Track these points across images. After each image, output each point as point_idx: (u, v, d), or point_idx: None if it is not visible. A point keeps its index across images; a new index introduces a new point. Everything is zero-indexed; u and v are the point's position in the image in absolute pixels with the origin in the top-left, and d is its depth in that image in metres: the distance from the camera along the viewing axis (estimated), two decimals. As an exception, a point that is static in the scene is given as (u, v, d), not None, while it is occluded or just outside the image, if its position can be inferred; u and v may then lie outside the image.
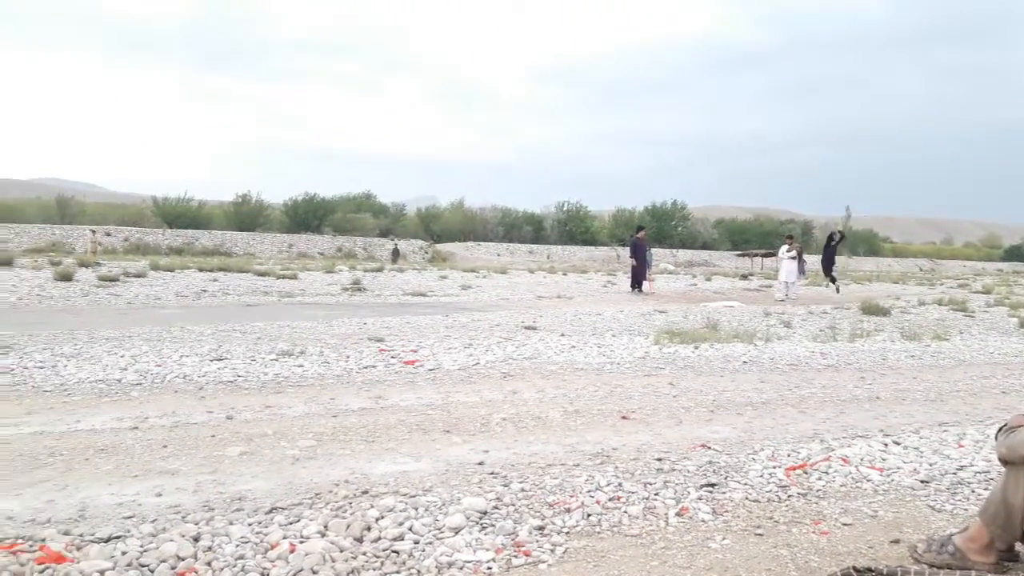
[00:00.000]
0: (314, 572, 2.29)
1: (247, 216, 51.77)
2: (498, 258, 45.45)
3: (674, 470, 3.45)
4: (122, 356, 6.22)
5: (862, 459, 3.68)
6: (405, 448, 3.80)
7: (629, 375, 6.20)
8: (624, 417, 4.63)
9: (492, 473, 3.37)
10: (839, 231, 21.84)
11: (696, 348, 7.70)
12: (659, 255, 42.67)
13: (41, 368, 5.62)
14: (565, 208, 61.51)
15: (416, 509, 2.83)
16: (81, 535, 2.51)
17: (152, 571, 2.27)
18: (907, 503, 3.13)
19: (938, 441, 4.12)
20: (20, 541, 2.43)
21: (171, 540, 2.45)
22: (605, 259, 48.70)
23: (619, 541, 2.64)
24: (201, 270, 19.79)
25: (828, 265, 19.75)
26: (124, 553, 2.35)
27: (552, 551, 2.53)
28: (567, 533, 2.69)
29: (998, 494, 2.37)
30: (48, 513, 2.76)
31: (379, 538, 2.56)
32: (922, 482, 3.40)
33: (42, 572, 2.23)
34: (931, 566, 2.39)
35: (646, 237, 19.82)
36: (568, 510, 2.88)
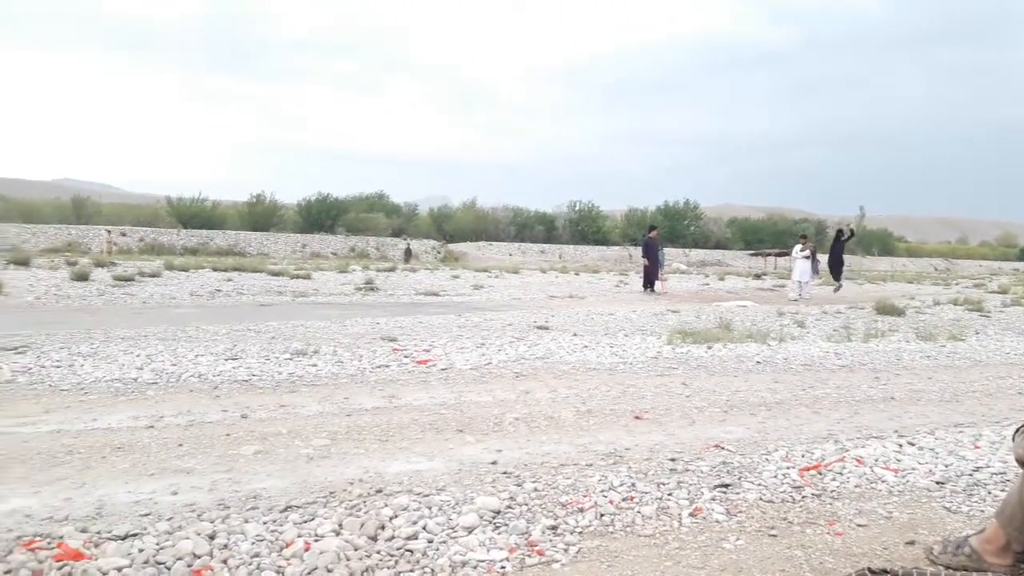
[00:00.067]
0: (328, 570, 2.30)
1: (261, 216, 52.08)
2: (510, 258, 45.48)
3: (687, 470, 3.44)
4: (138, 355, 6.27)
5: (877, 460, 3.66)
6: (418, 447, 3.81)
7: (642, 375, 6.19)
8: (637, 417, 4.62)
9: (505, 473, 3.38)
10: (849, 229, 21.55)
11: (709, 348, 7.68)
12: (671, 255, 42.55)
13: (58, 367, 5.68)
14: (577, 208, 61.48)
15: (430, 508, 2.84)
16: (98, 533, 2.53)
17: (169, 568, 2.28)
18: (922, 504, 3.11)
19: (954, 442, 4.09)
20: (38, 538, 2.46)
21: (187, 538, 2.47)
22: (617, 259, 48.62)
23: (632, 541, 2.64)
24: (215, 270, 19.94)
25: (836, 263, 19.45)
26: (141, 551, 2.38)
27: (565, 551, 2.53)
28: (580, 533, 2.69)
29: (1015, 495, 2.35)
30: (66, 511, 2.79)
31: (393, 537, 2.57)
32: (937, 483, 3.37)
33: (60, 569, 2.25)
34: (947, 568, 2.38)
35: (658, 236, 19.77)
36: (581, 510, 2.88)
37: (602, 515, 2.83)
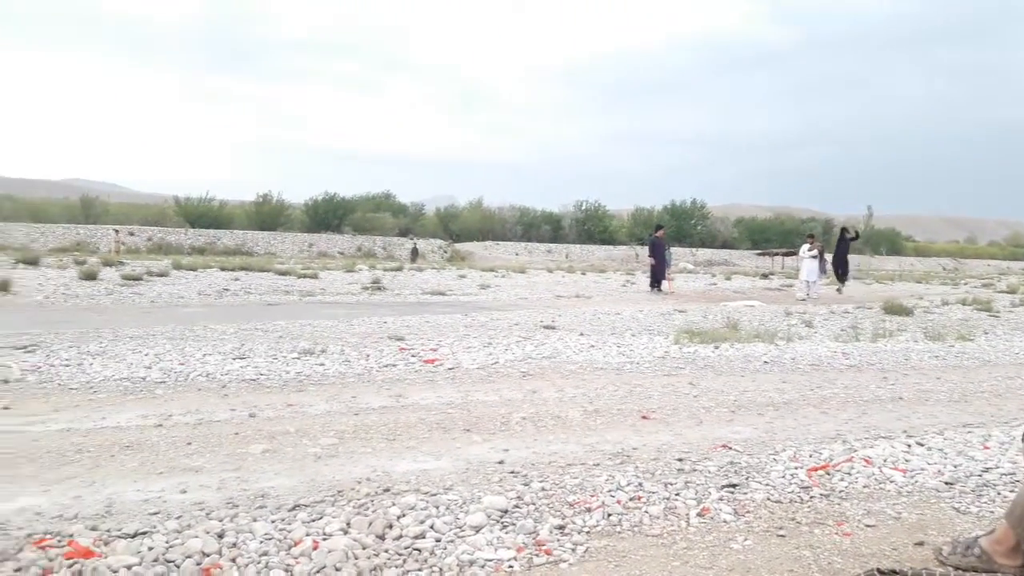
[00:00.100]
0: (337, 569, 2.31)
1: (268, 216, 52.18)
2: (516, 257, 45.47)
3: (695, 470, 3.44)
4: (146, 354, 6.29)
5: (885, 460, 3.65)
6: (426, 447, 3.82)
7: (649, 375, 6.18)
8: (644, 417, 4.61)
9: (512, 472, 3.38)
10: (855, 228, 21.46)
11: (716, 348, 7.66)
12: (678, 254, 42.45)
13: (67, 366, 5.71)
14: (583, 207, 61.42)
15: (437, 507, 2.84)
16: (108, 531, 2.55)
17: (178, 567, 2.29)
18: (931, 505, 3.10)
19: (962, 442, 4.07)
20: (48, 536, 2.48)
21: (196, 536, 2.48)
22: (624, 258, 48.55)
23: (640, 541, 2.64)
24: (223, 269, 20.01)
25: (840, 263, 19.37)
26: (150, 549, 2.39)
27: (573, 550, 2.53)
28: (588, 532, 2.69)
29: (1025, 496, 2.34)
30: (75, 509, 2.80)
31: (401, 536, 2.58)
32: (946, 484, 3.36)
33: (70, 567, 2.27)
34: (956, 568, 2.37)
35: (665, 236, 19.74)
36: (588, 510, 2.88)
37: (609, 515, 2.83)
